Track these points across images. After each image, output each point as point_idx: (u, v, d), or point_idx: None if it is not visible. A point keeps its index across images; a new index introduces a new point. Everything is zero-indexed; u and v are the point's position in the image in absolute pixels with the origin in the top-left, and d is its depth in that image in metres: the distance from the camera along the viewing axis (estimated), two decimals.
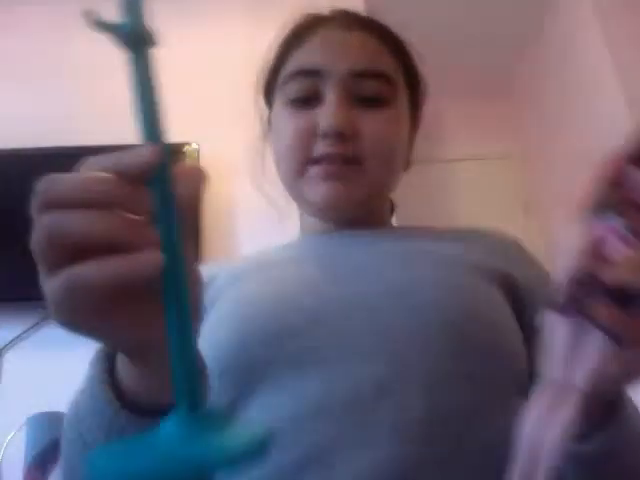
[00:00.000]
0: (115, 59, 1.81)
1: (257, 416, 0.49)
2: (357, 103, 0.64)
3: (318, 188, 0.64)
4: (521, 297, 0.60)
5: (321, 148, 0.63)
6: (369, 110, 0.64)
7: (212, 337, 0.55)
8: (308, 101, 0.65)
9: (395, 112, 0.67)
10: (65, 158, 2.02)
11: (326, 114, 0.63)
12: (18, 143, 1.93)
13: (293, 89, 0.66)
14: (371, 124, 0.64)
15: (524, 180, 3.05)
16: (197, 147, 1.97)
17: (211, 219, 1.93)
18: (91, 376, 0.44)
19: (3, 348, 1.75)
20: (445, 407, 0.48)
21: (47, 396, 1.58)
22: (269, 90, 0.74)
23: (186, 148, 1.98)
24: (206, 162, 1.96)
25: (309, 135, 0.64)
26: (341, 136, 0.62)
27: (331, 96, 0.63)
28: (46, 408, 1.47)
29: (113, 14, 0.31)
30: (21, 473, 1.40)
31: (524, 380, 0.54)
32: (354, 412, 0.47)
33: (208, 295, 0.62)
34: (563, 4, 2.59)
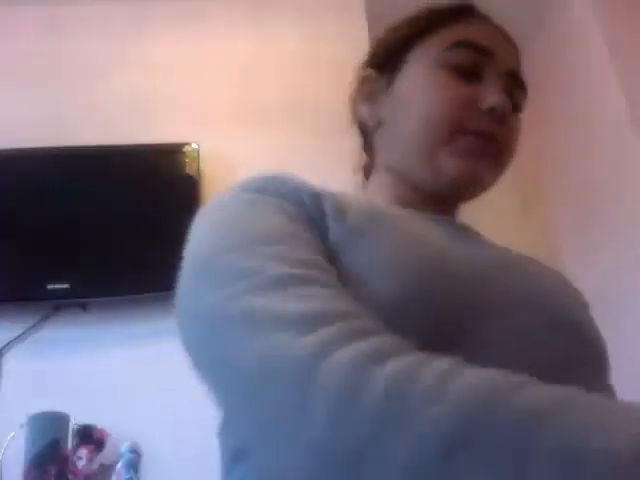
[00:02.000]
0: (115, 59, 1.82)
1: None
2: None
3: (453, 163, 0.63)
4: None
5: (482, 122, 0.63)
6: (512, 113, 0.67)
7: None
8: (469, 75, 0.65)
9: (520, 124, 0.69)
10: (65, 158, 2.03)
11: (495, 92, 0.63)
12: (18, 143, 1.93)
13: (460, 57, 0.65)
14: (509, 124, 0.66)
15: (524, 180, 3.04)
16: (197, 147, 1.97)
17: None
18: None
19: (3, 348, 1.75)
20: None
21: (47, 396, 1.58)
22: (400, 52, 0.70)
23: (186, 148, 1.98)
24: (206, 162, 1.96)
25: (470, 106, 0.63)
26: (503, 117, 0.63)
27: (498, 81, 0.64)
28: (46, 408, 1.47)
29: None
30: (21, 473, 1.40)
31: None
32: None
33: (355, 217, 0.54)
34: (563, 4, 2.59)
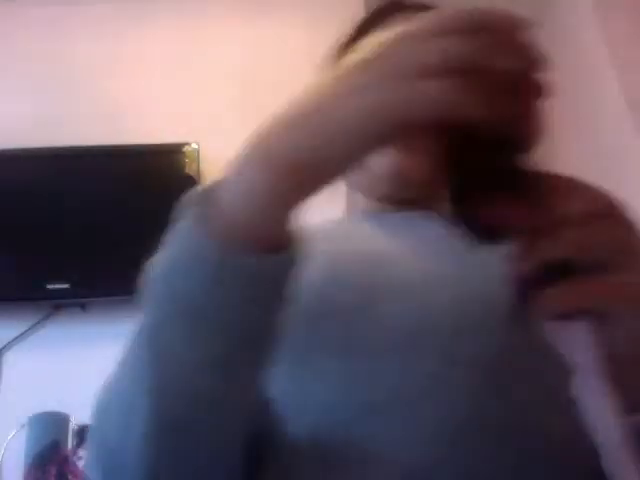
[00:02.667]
0: (115, 59, 1.82)
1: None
2: None
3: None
4: None
5: None
6: None
7: None
8: None
9: None
10: (65, 158, 2.02)
11: None
12: (18, 143, 1.93)
13: None
14: None
15: None
16: (197, 147, 1.97)
17: None
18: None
19: (3, 348, 1.75)
20: None
21: (47, 396, 1.58)
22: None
23: (186, 148, 1.98)
24: (206, 162, 1.96)
25: None
26: None
27: None
28: (46, 408, 1.47)
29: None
30: (21, 473, 1.40)
31: None
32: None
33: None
34: (563, 3, 2.59)
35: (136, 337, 0.41)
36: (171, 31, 2.22)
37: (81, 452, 1.43)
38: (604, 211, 0.34)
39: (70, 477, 1.40)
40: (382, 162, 0.61)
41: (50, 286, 1.78)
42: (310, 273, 0.47)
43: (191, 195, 0.37)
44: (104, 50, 2.18)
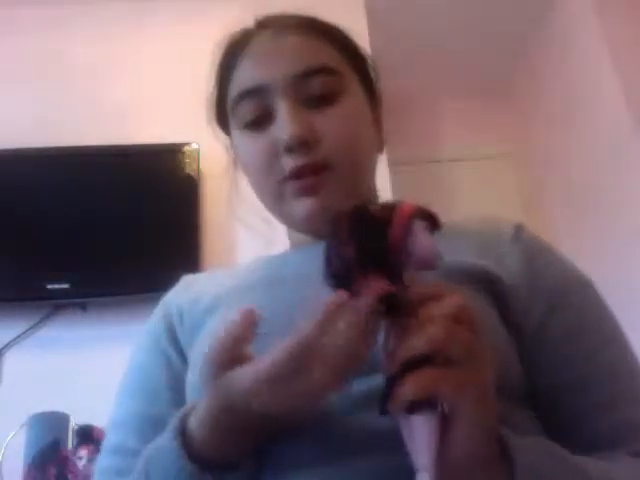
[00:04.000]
0: (115, 59, 1.81)
1: None
2: (309, 106, 0.61)
3: (296, 207, 0.61)
4: (505, 297, 0.57)
5: (288, 163, 0.60)
6: (323, 109, 0.62)
7: (192, 378, 0.58)
8: (262, 121, 0.62)
9: (350, 103, 0.63)
10: (65, 158, 2.03)
11: (282, 127, 0.60)
12: (18, 143, 1.93)
13: (243, 113, 0.63)
14: (329, 123, 0.61)
15: (524, 180, 3.05)
16: (197, 147, 1.97)
17: (211, 219, 1.93)
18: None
19: (3, 348, 1.75)
20: None
21: (47, 396, 1.58)
22: (222, 118, 0.71)
23: (186, 148, 1.98)
24: (206, 162, 1.96)
25: (273, 154, 0.61)
26: (304, 144, 0.59)
27: (282, 107, 0.61)
28: (46, 408, 1.47)
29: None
30: (21, 473, 1.40)
31: (515, 393, 0.52)
32: None
33: (192, 318, 0.63)
34: (563, 4, 2.59)
35: None
36: (171, 31, 2.22)
37: (81, 452, 1.43)
38: (461, 315, 0.39)
39: (70, 477, 1.40)
40: (294, 210, 0.62)
41: (50, 286, 1.78)
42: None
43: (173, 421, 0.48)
44: (104, 50, 2.19)
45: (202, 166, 1.95)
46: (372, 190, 0.70)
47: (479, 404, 0.38)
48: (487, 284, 0.57)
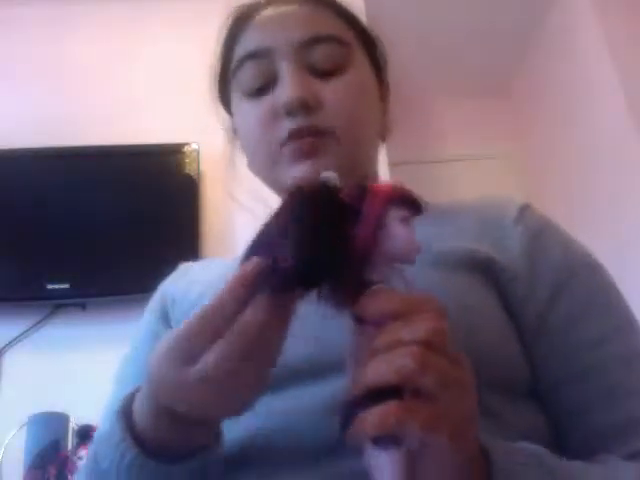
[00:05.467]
0: (115, 59, 1.81)
1: None
2: (314, 74, 0.59)
3: (293, 169, 0.58)
4: (505, 283, 0.54)
5: (287, 125, 0.57)
6: (328, 79, 0.59)
7: None
8: (264, 88, 0.60)
9: (356, 76, 0.61)
10: (65, 158, 2.02)
11: (284, 88, 0.58)
12: (18, 143, 1.93)
13: (245, 78, 0.61)
14: (333, 92, 0.59)
15: (524, 180, 3.05)
16: (197, 147, 1.97)
17: (211, 219, 1.93)
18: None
19: (3, 348, 1.75)
20: None
21: (47, 396, 1.58)
22: (224, 92, 0.69)
23: (186, 148, 1.98)
24: (206, 162, 1.96)
25: (273, 118, 0.59)
26: (305, 106, 0.57)
27: (285, 70, 0.58)
28: (46, 408, 1.47)
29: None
30: (21, 473, 1.40)
31: (516, 388, 0.51)
32: None
33: (182, 306, 0.63)
34: (563, 4, 2.59)
35: None
36: (171, 31, 2.22)
37: (81, 452, 1.43)
38: (436, 340, 0.34)
39: (70, 477, 1.40)
40: (290, 174, 0.60)
41: (50, 286, 1.78)
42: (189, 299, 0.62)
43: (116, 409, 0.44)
44: (104, 50, 2.18)
45: (202, 166, 1.95)
46: (372, 176, 0.67)
47: (455, 438, 0.33)
48: (485, 269, 0.54)
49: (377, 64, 0.68)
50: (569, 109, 2.64)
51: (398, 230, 0.35)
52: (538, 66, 2.89)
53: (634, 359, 0.52)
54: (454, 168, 3.07)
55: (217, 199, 1.91)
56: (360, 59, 0.63)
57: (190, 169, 1.95)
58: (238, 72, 0.62)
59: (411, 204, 0.36)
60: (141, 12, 2.24)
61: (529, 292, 0.54)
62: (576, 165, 2.57)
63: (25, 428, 1.45)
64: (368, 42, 0.67)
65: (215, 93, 0.71)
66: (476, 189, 3.01)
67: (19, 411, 1.48)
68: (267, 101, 0.59)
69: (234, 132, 0.70)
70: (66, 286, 1.78)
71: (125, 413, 0.43)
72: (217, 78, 0.69)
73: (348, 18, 0.65)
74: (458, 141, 3.11)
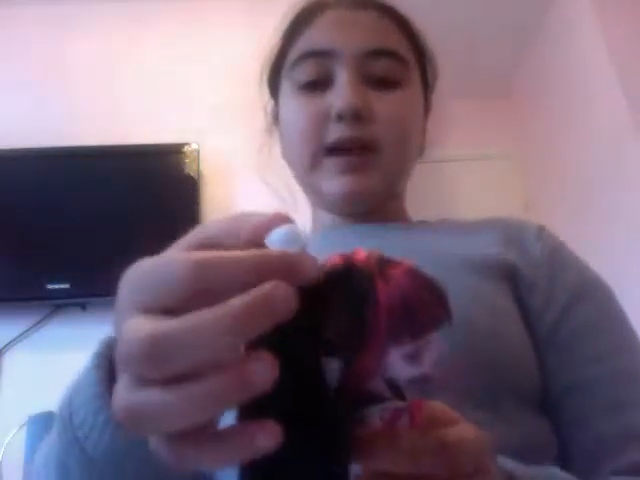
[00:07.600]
0: (115, 59, 1.82)
1: None
2: (370, 85, 0.60)
3: (335, 182, 0.59)
4: (526, 288, 0.55)
5: (336, 131, 0.58)
6: (383, 91, 0.60)
7: None
8: (319, 85, 0.61)
9: (409, 93, 0.62)
10: (65, 158, 2.03)
11: (340, 94, 0.58)
12: (18, 143, 1.93)
13: (302, 72, 0.62)
14: (386, 106, 0.59)
15: (524, 180, 3.05)
16: (197, 147, 1.97)
17: (211, 219, 1.93)
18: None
19: (3, 348, 1.75)
20: None
21: (47, 396, 1.58)
22: (275, 79, 0.69)
23: (186, 148, 1.98)
24: (206, 162, 1.96)
25: (322, 120, 0.59)
26: (357, 116, 0.57)
27: (344, 76, 0.59)
28: (46, 408, 1.47)
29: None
30: (21, 473, 1.40)
31: (530, 396, 0.51)
32: None
33: None
34: (563, 3, 2.59)
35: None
36: (171, 31, 2.22)
37: None
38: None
39: None
40: (332, 185, 0.60)
41: (50, 286, 1.78)
42: None
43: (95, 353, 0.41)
44: (104, 50, 2.19)
45: (202, 166, 1.95)
46: (402, 195, 0.69)
47: None
48: (511, 277, 0.55)
49: (427, 82, 0.70)
50: (569, 109, 2.64)
51: (399, 369, 0.27)
52: (538, 66, 2.89)
53: None
54: (454, 168, 3.07)
55: (217, 199, 1.91)
56: (415, 77, 0.65)
57: (190, 169, 1.95)
58: (297, 66, 0.63)
59: (420, 321, 0.27)
60: (142, 12, 2.25)
61: (545, 304, 0.55)
62: (575, 165, 2.57)
63: (25, 428, 1.45)
64: (423, 59, 0.68)
65: (265, 75, 0.71)
66: (476, 189, 3.01)
67: (19, 411, 1.48)
68: (320, 100, 0.60)
69: (275, 118, 0.70)
70: (66, 286, 1.78)
71: (105, 356, 0.39)
72: (272, 61, 0.70)
73: (409, 33, 0.66)
74: (458, 141, 3.11)
